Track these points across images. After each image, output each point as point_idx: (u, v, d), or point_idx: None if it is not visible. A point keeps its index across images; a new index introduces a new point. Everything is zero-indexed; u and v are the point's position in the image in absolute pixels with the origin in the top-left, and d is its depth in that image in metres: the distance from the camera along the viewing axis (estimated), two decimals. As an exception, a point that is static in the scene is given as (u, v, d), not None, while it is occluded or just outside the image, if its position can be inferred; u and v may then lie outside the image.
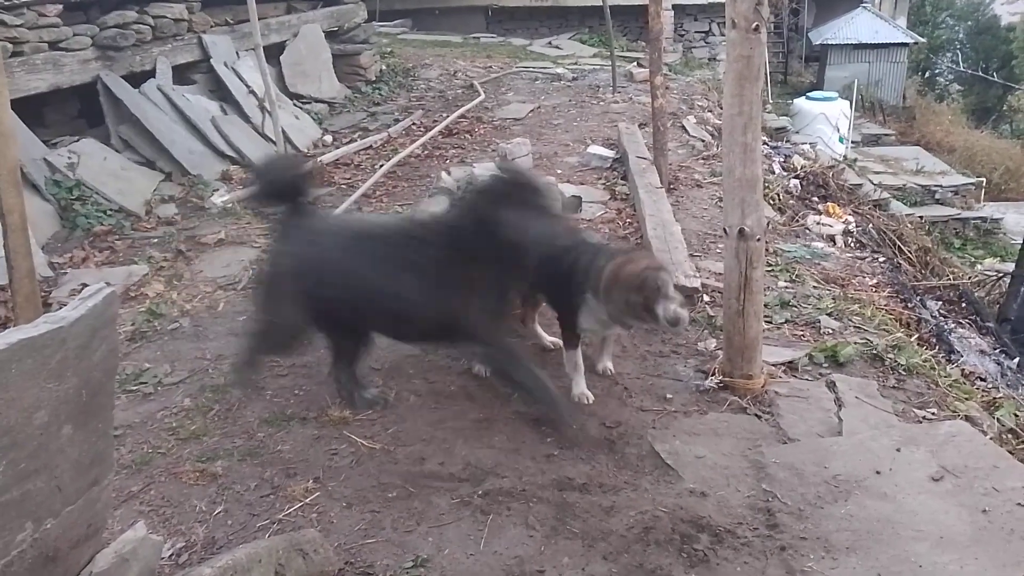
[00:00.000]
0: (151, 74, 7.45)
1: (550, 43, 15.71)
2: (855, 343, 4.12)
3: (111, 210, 6.25)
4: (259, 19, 7.81)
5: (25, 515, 1.82)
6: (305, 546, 2.56)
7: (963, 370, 4.79)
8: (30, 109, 6.50)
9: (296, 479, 3.14)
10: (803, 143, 12.26)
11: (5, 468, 1.73)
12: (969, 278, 8.19)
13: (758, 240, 3.45)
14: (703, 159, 7.78)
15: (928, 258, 8.05)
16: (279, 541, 2.56)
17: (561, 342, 3.74)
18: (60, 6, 6.48)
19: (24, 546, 1.83)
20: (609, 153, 7.66)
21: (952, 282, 7.58)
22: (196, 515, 2.96)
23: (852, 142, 15.40)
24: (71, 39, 6.64)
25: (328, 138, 8.83)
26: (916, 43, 20.89)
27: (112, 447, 2.14)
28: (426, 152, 8.17)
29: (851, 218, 7.69)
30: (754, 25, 3.14)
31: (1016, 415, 4.00)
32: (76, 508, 1.98)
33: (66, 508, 1.94)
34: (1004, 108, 24.01)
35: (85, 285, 1.92)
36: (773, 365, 3.86)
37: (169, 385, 3.89)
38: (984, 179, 14.24)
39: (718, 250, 5.26)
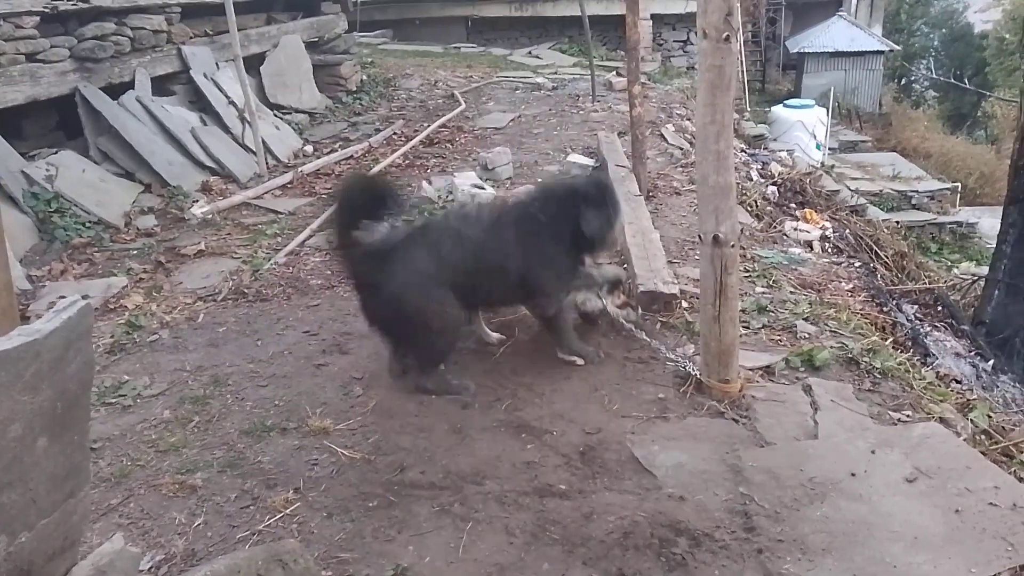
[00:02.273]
0: (130, 85, 7.44)
1: (530, 53, 15.81)
2: (831, 347, 4.16)
3: (90, 222, 6.24)
4: (239, 30, 7.83)
5: (-1, 528, 1.82)
6: (285, 556, 2.55)
7: (938, 372, 4.83)
8: (7, 121, 6.49)
9: (276, 490, 3.13)
10: (781, 150, 12.35)
11: (-21, 482, 1.73)
12: (945, 282, 8.27)
13: (732, 246, 3.48)
14: (682, 167, 7.84)
15: (904, 262, 8.11)
16: (259, 552, 2.55)
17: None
18: (37, 18, 6.46)
19: (-1, 560, 1.83)
20: (589, 161, 7.72)
21: (928, 286, 7.65)
22: (176, 527, 2.95)
23: (829, 149, 15.55)
24: (48, 51, 6.62)
25: (309, 148, 8.85)
26: (891, 51, 21.16)
27: (88, 459, 2.13)
28: (407, 162, 8.20)
29: (828, 224, 7.77)
30: (725, 35, 3.18)
31: (989, 416, 4.04)
32: (51, 521, 1.97)
33: (41, 521, 1.93)
34: (979, 114, 24.35)
35: (63, 298, 1.91)
36: (750, 369, 3.90)
37: (148, 397, 3.88)
38: (959, 184, 14.41)
39: (696, 256, 5.28)
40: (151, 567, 2.75)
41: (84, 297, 2.02)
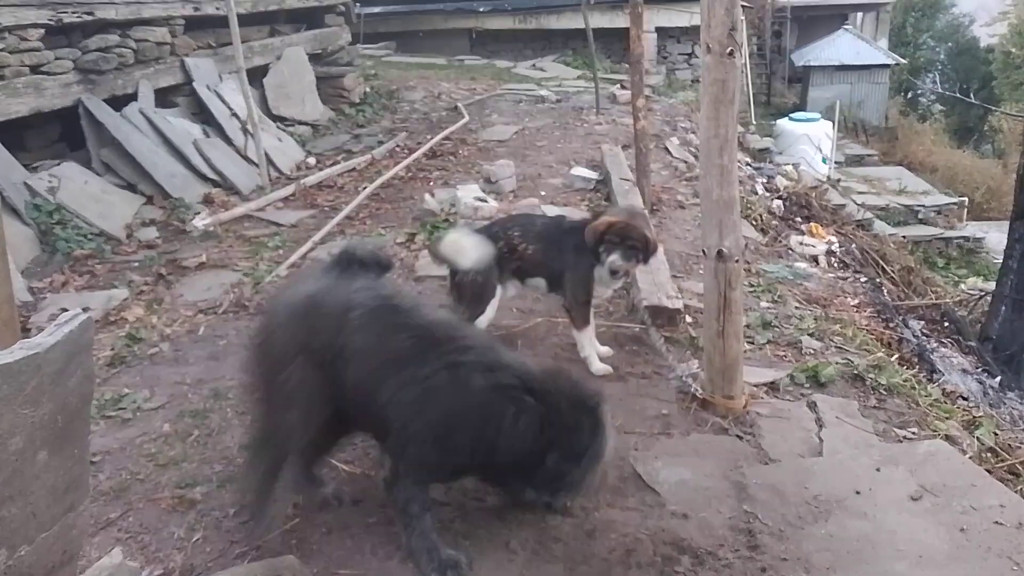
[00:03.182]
0: (133, 97, 7.47)
1: (534, 65, 15.84)
2: (836, 363, 4.14)
3: (92, 234, 6.23)
4: (242, 42, 7.85)
5: (-2, 543, 1.80)
6: (284, 572, 2.54)
7: (944, 389, 4.82)
8: (11, 133, 6.50)
9: (276, 505, 3.11)
10: (786, 164, 12.37)
11: (-22, 496, 1.72)
12: (951, 297, 8.25)
13: (736, 261, 3.47)
14: (686, 180, 7.84)
15: (911, 277, 8.11)
16: (257, 568, 2.54)
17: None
18: (42, 30, 6.49)
19: (-4, 575, 1.81)
20: (592, 174, 7.71)
21: (934, 301, 7.63)
22: (174, 542, 2.93)
23: (835, 162, 15.53)
24: (53, 63, 6.65)
25: (312, 160, 8.85)
26: (897, 64, 21.19)
27: (88, 473, 2.12)
28: (410, 174, 8.20)
29: (834, 238, 7.77)
30: (728, 50, 3.18)
31: (996, 434, 4.02)
32: (51, 534, 1.96)
33: (41, 535, 1.92)
34: (985, 128, 24.34)
35: (64, 310, 1.91)
36: (755, 385, 3.87)
37: (148, 411, 3.86)
38: (966, 198, 14.37)
39: (701, 271, 5.27)
40: (150, 582, 2.73)
41: (85, 309, 2.02)
